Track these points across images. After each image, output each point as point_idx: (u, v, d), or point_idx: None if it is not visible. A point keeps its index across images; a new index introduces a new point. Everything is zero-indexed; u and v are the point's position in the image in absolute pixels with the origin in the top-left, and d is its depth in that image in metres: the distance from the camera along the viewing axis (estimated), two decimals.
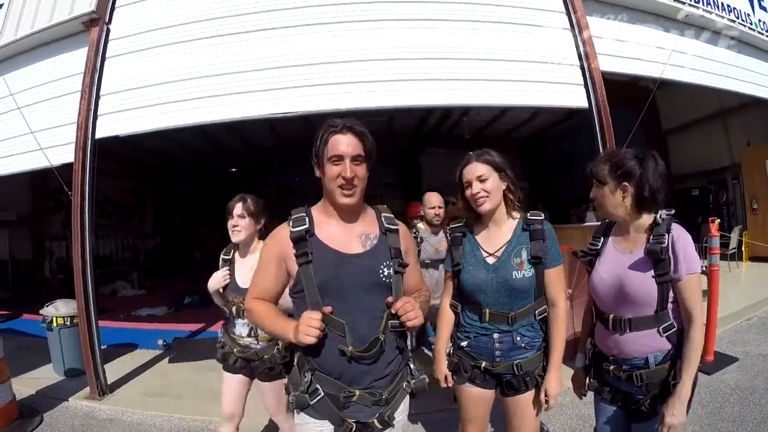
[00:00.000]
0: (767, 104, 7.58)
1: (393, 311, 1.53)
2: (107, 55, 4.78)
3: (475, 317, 1.95)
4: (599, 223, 2.11)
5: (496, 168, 1.89)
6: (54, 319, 4.96)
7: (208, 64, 4.55)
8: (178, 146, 10.04)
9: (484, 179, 1.87)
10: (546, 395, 1.90)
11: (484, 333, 1.92)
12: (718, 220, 4.68)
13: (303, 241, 1.54)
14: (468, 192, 1.91)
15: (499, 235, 1.94)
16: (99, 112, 4.70)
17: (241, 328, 2.53)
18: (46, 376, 4.99)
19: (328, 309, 1.49)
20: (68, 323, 4.96)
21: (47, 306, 5.06)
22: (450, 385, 2.05)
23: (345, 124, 1.55)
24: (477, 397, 2.01)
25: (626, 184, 1.74)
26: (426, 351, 4.85)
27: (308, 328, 1.43)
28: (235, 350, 2.51)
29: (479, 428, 2.10)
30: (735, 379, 3.89)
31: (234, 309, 2.52)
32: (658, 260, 1.69)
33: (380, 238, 1.64)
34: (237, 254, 2.62)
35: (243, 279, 2.48)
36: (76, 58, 4.85)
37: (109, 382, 4.57)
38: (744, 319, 5.50)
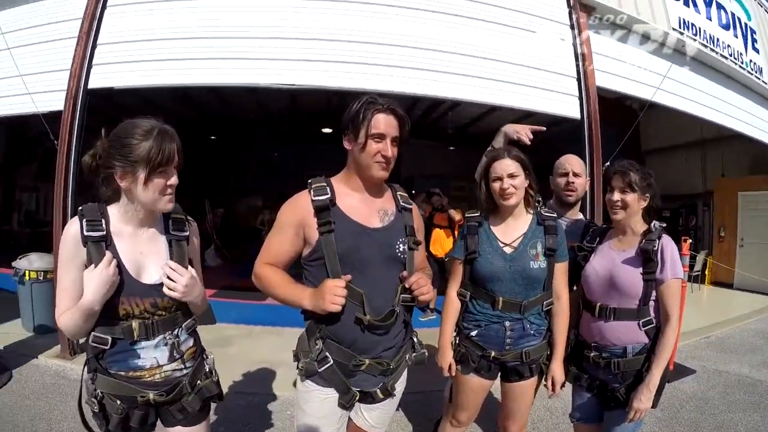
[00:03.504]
0: (745, 139, 7.93)
1: (407, 285, 1.59)
2: (108, 3, 4.63)
3: (486, 305, 1.99)
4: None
5: (524, 166, 1.96)
6: (27, 272, 4.81)
7: (216, 26, 4.52)
8: (154, 108, 9.45)
9: (514, 176, 1.94)
10: (552, 382, 2.03)
11: (495, 321, 1.98)
12: (690, 240, 4.90)
13: (326, 210, 1.55)
14: (496, 185, 1.96)
15: (515, 227, 2.01)
16: (94, 62, 4.56)
17: (154, 352, 1.44)
18: (13, 331, 4.87)
19: (348, 277, 1.51)
20: (41, 278, 4.82)
21: (20, 259, 4.91)
22: (453, 374, 2.09)
23: (389, 104, 1.57)
24: (477, 387, 2.08)
25: (648, 194, 1.95)
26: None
27: (335, 296, 1.45)
28: (140, 397, 1.42)
29: (471, 414, 2.18)
30: (692, 389, 4.13)
31: (137, 325, 1.40)
32: (648, 259, 1.87)
33: (396, 215, 1.68)
34: (118, 227, 1.42)
35: (156, 267, 1.45)
36: (75, 3, 4.67)
37: (80, 341, 4.49)
38: (703, 337, 5.80)
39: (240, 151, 11.02)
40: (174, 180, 1.41)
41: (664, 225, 1.97)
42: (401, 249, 1.62)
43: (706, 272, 9.57)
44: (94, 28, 4.59)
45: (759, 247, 9.19)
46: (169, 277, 1.42)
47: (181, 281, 1.42)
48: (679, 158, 11.10)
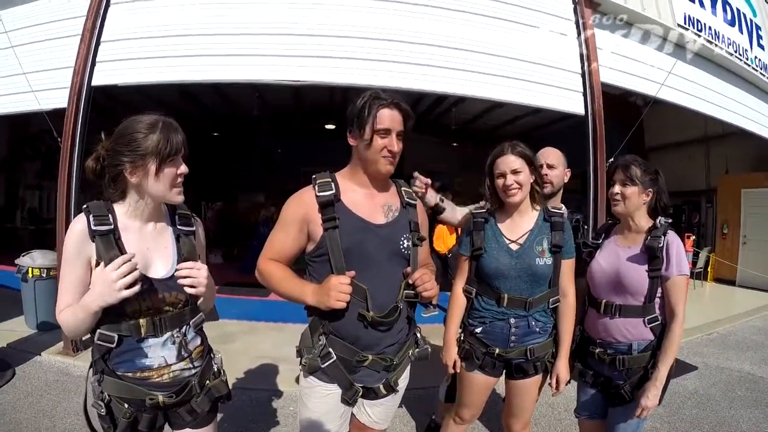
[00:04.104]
0: (749, 136, 7.91)
1: (411, 281, 1.59)
2: (112, 1, 4.65)
3: (492, 302, 1.98)
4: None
5: (528, 162, 1.95)
6: (30, 270, 4.82)
7: (219, 22, 4.52)
8: (158, 104, 9.51)
9: (518, 172, 1.92)
10: (557, 380, 2.01)
11: (500, 318, 1.97)
12: (693, 237, 4.89)
13: (330, 206, 1.55)
14: (500, 182, 1.95)
15: (521, 224, 2.00)
16: (98, 59, 4.58)
17: (162, 351, 1.41)
18: (17, 328, 4.88)
19: (352, 274, 1.51)
20: (44, 275, 4.83)
21: (23, 256, 4.93)
22: (458, 371, 2.08)
23: (393, 99, 1.58)
24: (481, 384, 2.07)
25: (651, 189, 1.95)
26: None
27: (339, 293, 1.45)
28: (149, 399, 1.39)
29: (474, 412, 2.17)
30: (694, 386, 4.13)
31: (144, 322, 1.37)
32: (653, 256, 1.87)
33: (401, 211, 1.69)
34: (125, 222, 1.40)
35: (163, 262, 1.44)
36: (79, 1, 4.68)
37: (84, 338, 4.49)
38: (705, 334, 5.80)
39: (243, 147, 11.02)
40: (184, 168, 1.41)
41: (670, 221, 1.96)
42: (405, 245, 1.63)
43: (709, 269, 9.55)
44: (98, 25, 4.60)
45: (762, 244, 9.16)
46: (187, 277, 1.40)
47: (201, 274, 1.41)
48: (683, 155, 11.09)
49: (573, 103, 5.10)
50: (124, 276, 1.24)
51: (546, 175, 2.44)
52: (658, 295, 1.90)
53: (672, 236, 1.90)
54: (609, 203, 2.06)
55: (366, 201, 1.63)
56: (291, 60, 4.50)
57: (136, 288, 1.27)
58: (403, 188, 1.76)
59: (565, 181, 2.55)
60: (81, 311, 1.29)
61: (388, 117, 1.55)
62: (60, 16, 4.83)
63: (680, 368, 4.44)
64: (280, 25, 4.53)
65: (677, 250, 1.87)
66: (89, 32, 4.55)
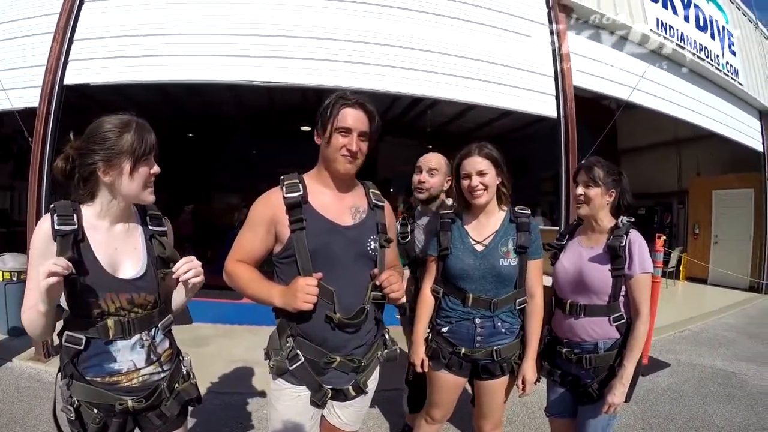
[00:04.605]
0: (720, 139, 8.16)
1: (378, 283, 1.59)
2: None
3: (457, 302, 1.99)
4: (550, 226, 2.30)
5: (495, 163, 1.95)
6: (0, 273, 4.71)
7: (193, 22, 4.48)
8: (131, 104, 9.28)
9: (484, 173, 1.92)
10: (523, 382, 2.01)
11: (466, 318, 1.97)
12: (664, 237, 5.02)
13: (298, 207, 1.55)
14: (465, 183, 1.96)
15: (487, 224, 2.01)
16: (71, 57, 4.49)
17: (130, 354, 1.39)
18: None
19: (319, 275, 1.51)
20: (15, 279, 4.72)
21: None
22: (426, 370, 2.08)
23: (358, 99, 1.58)
24: (449, 384, 2.07)
25: (614, 190, 1.99)
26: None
27: (306, 295, 1.45)
28: (119, 404, 1.37)
29: (445, 412, 2.17)
30: (667, 383, 4.23)
31: (113, 323, 1.34)
32: (615, 256, 1.91)
33: (368, 213, 1.69)
34: (93, 222, 1.38)
35: (132, 263, 1.42)
36: None
37: (55, 343, 4.38)
38: (677, 331, 5.97)
39: (218, 149, 10.90)
40: (156, 168, 1.41)
41: (633, 220, 1.99)
42: (372, 246, 1.63)
43: (681, 268, 9.82)
44: (71, 23, 4.51)
45: (732, 243, 9.49)
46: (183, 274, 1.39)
47: (197, 263, 1.40)
48: (655, 157, 11.39)
49: (546, 106, 5.20)
50: (52, 274, 1.14)
51: (424, 182, 2.46)
52: (623, 293, 1.94)
53: (634, 235, 1.93)
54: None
55: (333, 203, 1.63)
56: (266, 61, 4.48)
57: (54, 280, 1.15)
58: (371, 190, 1.76)
59: (445, 188, 2.54)
60: (33, 311, 1.26)
61: (351, 116, 1.56)
62: (32, 13, 4.71)
63: (653, 365, 4.58)
64: (256, 25, 4.51)
65: (640, 248, 1.90)
66: (62, 30, 4.46)
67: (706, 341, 5.63)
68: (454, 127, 9.15)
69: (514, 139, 9.97)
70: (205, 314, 5.52)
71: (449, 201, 2.58)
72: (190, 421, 3.12)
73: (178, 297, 1.55)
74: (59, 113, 4.43)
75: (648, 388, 4.04)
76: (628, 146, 11.99)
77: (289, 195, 1.56)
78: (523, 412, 3.51)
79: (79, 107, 4.82)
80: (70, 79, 4.48)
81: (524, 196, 4.63)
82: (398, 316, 2.46)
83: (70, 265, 1.19)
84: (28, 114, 4.48)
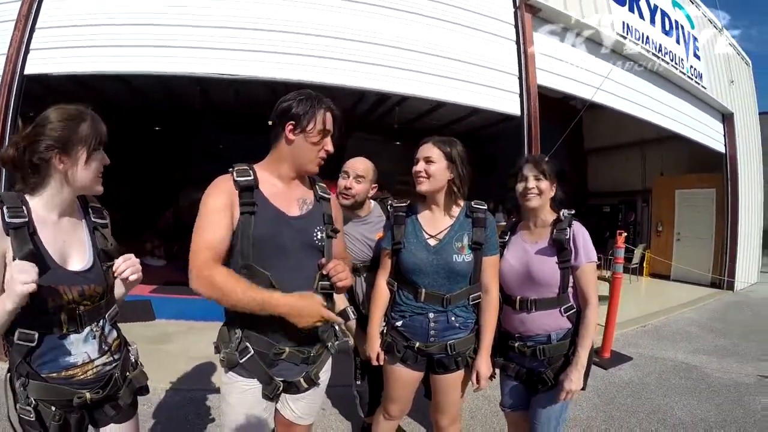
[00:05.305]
0: (682, 140, 8.43)
1: (325, 272, 1.59)
2: None
3: (410, 296, 1.98)
4: (507, 221, 2.31)
5: (447, 157, 1.94)
6: None
7: (158, 12, 4.38)
8: (95, 94, 9.13)
9: (430, 161, 1.92)
10: (477, 376, 1.98)
11: (419, 312, 1.96)
12: (625, 234, 5.13)
13: (249, 191, 1.54)
14: (413, 169, 1.96)
15: (442, 219, 2.00)
16: (31, 47, 4.33)
17: (84, 346, 1.39)
18: None
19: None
20: None
21: None
22: (381, 363, 2.07)
23: (331, 103, 1.65)
24: (405, 378, 2.05)
25: (556, 183, 2.02)
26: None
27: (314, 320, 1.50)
28: (77, 398, 1.37)
29: (402, 407, 2.15)
30: (629, 376, 4.31)
31: (65, 317, 1.34)
32: (561, 248, 1.94)
33: (315, 204, 1.71)
34: (41, 215, 1.34)
35: (79, 255, 1.41)
36: None
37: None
38: (639, 326, 6.11)
39: (185, 141, 10.71)
40: (107, 159, 1.42)
41: (573, 212, 2.02)
42: (319, 237, 1.64)
43: (645, 265, 10.10)
44: (33, 12, 4.34)
45: (694, 240, 9.83)
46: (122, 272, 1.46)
47: (135, 261, 1.47)
48: (620, 157, 11.75)
49: (510, 104, 5.26)
50: (28, 282, 1.17)
51: (350, 188, 2.40)
52: (571, 284, 1.97)
53: (577, 227, 1.97)
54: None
55: (282, 193, 1.63)
56: (232, 53, 4.41)
57: (33, 287, 1.18)
58: (317, 183, 1.77)
59: (370, 195, 2.52)
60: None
61: (330, 120, 1.63)
62: None
63: (616, 359, 4.67)
64: (221, 18, 4.43)
65: (584, 239, 1.94)
66: (24, 18, 4.29)
67: (668, 335, 5.77)
68: (421, 124, 9.21)
69: (483, 136, 10.11)
70: (169, 311, 5.44)
71: (372, 204, 2.58)
72: (152, 420, 3.12)
73: (118, 290, 1.53)
74: (19, 104, 4.27)
75: (610, 381, 4.13)
76: (594, 146, 12.32)
77: (240, 178, 1.55)
78: (485, 406, 3.52)
79: (40, 96, 4.64)
80: (30, 68, 4.33)
81: (491, 192, 4.71)
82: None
83: (35, 266, 1.20)
84: None
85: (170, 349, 4.47)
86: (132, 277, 1.46)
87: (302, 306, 1.48)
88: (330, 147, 1.64)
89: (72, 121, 1.32)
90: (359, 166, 2.45)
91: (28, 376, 1.33)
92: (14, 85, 4.23)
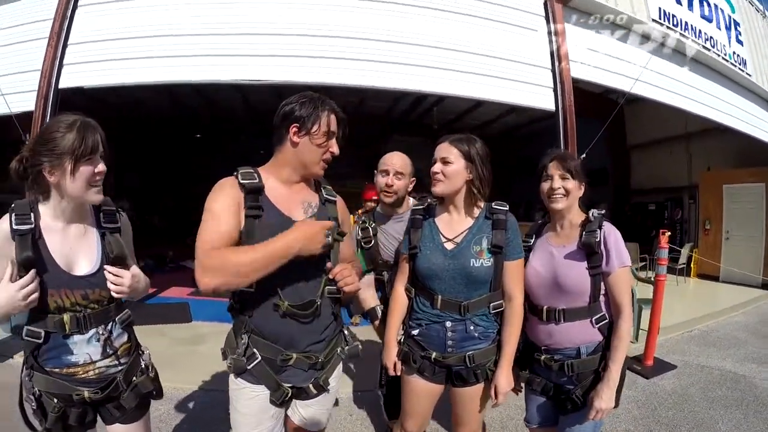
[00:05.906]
0: (729, 131, 7.96)
1: (331, 276, 1.57)
2: (79, 3, 4.63)
3: (427, 303, 1.88)
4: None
5: (465, 157, 1.83)
6: None
7: (185, 23, 4.50)
8: (140, 105, 9.59)
9: (447, 162, 1.83)
10: (495, 391, 1.85)
11: (436, 320, 1.86)
12: (669, 233, 4.87)
13: (255, 193, 1.53)
14: (431, 169, 1.88)
15: (460, 221, 1.89)
16: (65, 62, 4.57)
17: (86, 347, 1.46)
18: None
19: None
20: None
21: None
22: (398, 373, 1.98)
23: (338, 108, 1.63)
24: (423, 391, 1.95)
25: (584, 183, 1.87)
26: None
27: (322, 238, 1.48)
28: (75, 395, 1.46)
29: (420, 422, 2.03)
30: (672, 385, 4.06)
31: (69, 318, 1.41)
32: (591, 253, 1.76)
33: (320, 208, 1.68)
34: (49, 222, 1.43)
35: (87, 260, 1.47)
36: (45, 4, 4.68)
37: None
38: (685, 331, 5.77)
39: (225, 148, 10.98)
40: (101, 167, 1.42)
41: (603, 212, 1.85)
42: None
43: (692, 265, 9.58)
44: (65, 28, 4.58)
45: (744, 239, 9.20)
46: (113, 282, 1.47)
47: (125, 282, 1.46)
48: (665, 152, 11.20)
49: (544, 99, 5.11)
50: (29, 296, 1.30)
51: (392, 185, 2.35)
52: (603, 292, 1.79)
53: (608, 228, 1.79)
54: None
55: (286, 196, 1.61)
56: (268, 60, 4.49)
57: (35, 297, 1.32)
58: (322, 186, 1.74)
59: (409, 189, 2.45)
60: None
61: (335, 122, 1.61)
62: (27, 19, 4.82)
63: (658, 367, 4.44)
64: (253, 25, 4.51)
65: (616, 241, 1.76)
66: (56, 35, 4.55)
67: (716, 341, 5.43)
68: (460, 124, 9.10)
69: (520, 136, 9.90)
70: (205, 313, 5.60)
71: (412, 201, 2.50)
72: (179, 417, 3.23)
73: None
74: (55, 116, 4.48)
75: (652, 391, 3.91)
76: (637, 142, 11.82)
77: (245, 181, 1.53)
78: (517, 415, 3.33)
79: (81, 108, 4.87)
80: (64, 82, 4.56)
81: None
82: (353, 322, 2.30)
83: (34, 275, 1.31)
84: (28, 118, 4.56)
85: (203, 350, 4.56)
86: (115, 289, 1.46)
87: (304, 230, 1.47)
88: (335, 149, 1.62)
89: (59, 133, 1.35)
90: (397, 161, 2.39)
91: (34, 369, 1.44)
92: (50, 98, 4.47)
